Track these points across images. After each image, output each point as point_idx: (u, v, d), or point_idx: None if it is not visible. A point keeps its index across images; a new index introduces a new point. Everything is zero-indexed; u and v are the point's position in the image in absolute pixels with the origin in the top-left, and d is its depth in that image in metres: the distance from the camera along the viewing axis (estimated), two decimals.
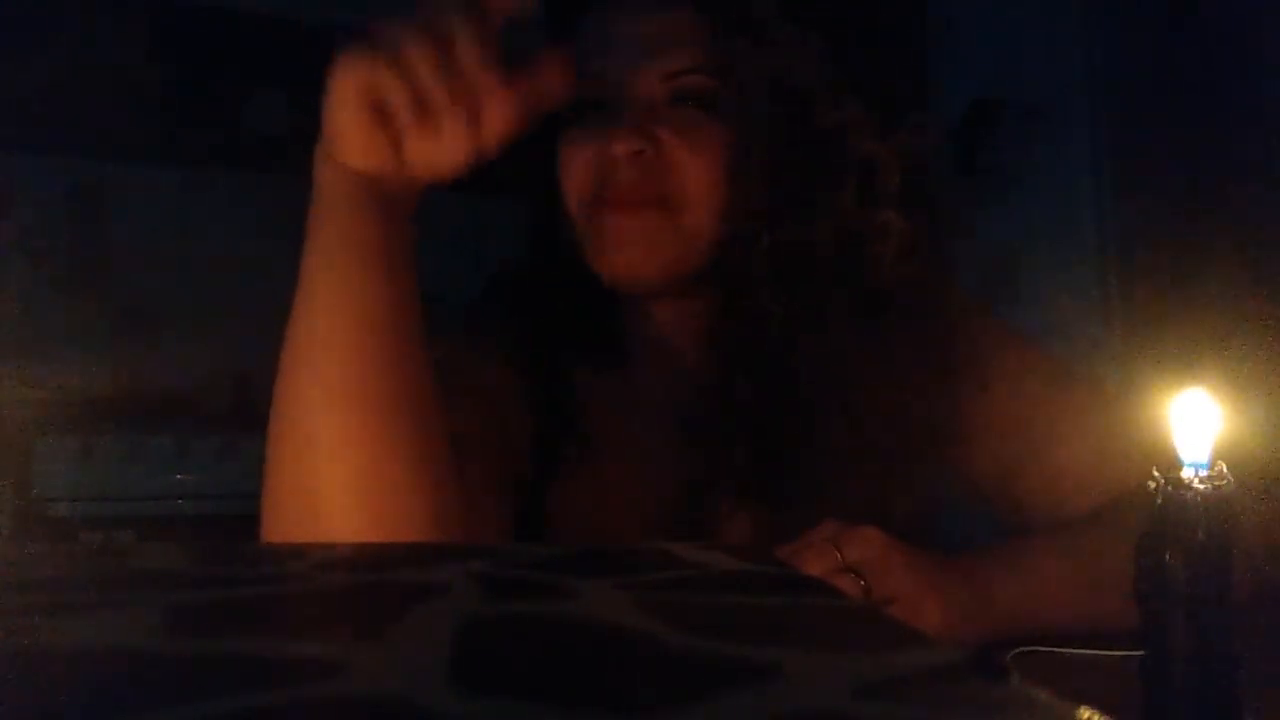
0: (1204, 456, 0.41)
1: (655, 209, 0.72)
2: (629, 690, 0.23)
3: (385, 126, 0.54)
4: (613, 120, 0.72)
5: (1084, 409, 0.77)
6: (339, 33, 0.55)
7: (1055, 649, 0.61)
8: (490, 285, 0.85)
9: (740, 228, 0.73)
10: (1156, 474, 0.41)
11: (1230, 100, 1.77)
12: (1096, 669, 0.59)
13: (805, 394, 0.72)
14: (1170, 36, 1.87)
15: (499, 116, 0.53)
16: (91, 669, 0.24)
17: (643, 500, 0.76)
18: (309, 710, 0.21)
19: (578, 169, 0.74)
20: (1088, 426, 0.76)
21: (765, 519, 0.73)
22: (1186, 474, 0.41)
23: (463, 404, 0.67)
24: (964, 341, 0.76)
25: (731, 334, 0.74)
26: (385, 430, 0.55)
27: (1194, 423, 0.42)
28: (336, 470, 0.53)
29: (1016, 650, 0.61)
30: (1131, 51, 1.95)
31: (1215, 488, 0.40)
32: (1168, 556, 0.40)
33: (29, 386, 1.71)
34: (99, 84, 1.92)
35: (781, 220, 0.72)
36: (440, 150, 0.54)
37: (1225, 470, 0.41)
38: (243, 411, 1.90)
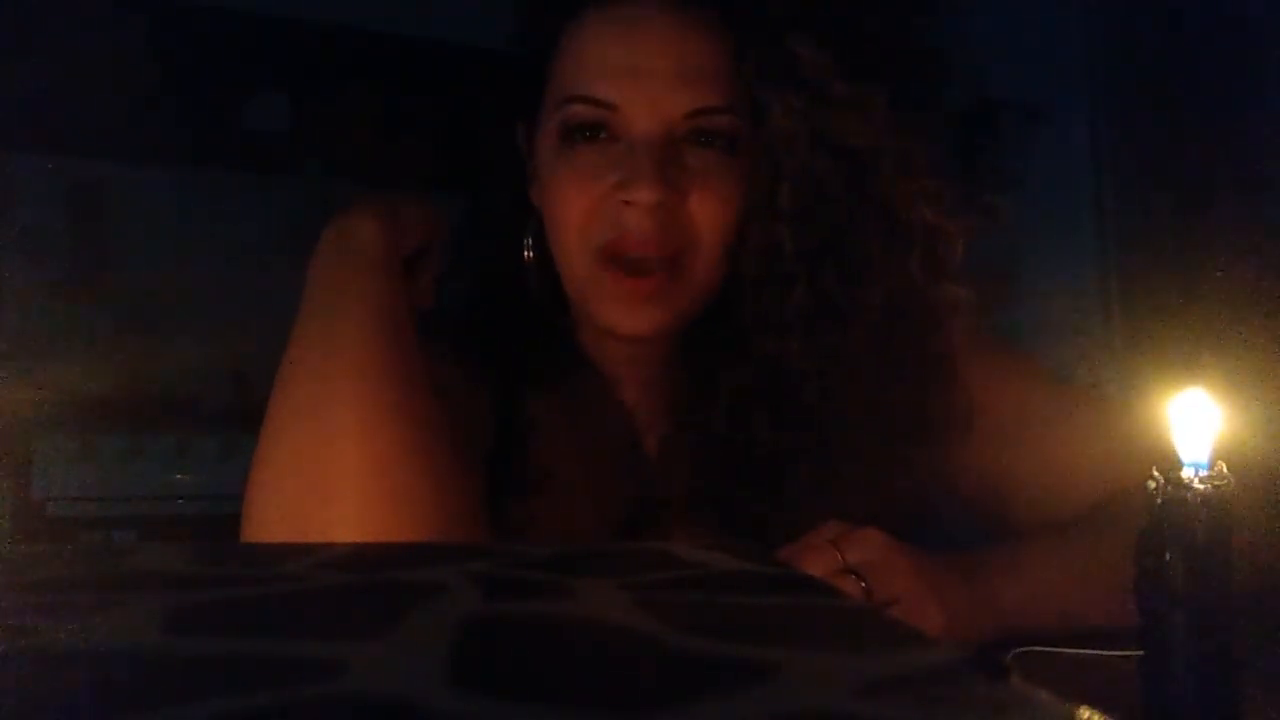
0: (1204, 456, 0.41)
1: (666, 275, 0.68)
2: (629, 690, 0.23)
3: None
4: (629, 162, 0.67)
5: (1074, 411, 0.77)
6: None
7: (1055, 649, 0.61)
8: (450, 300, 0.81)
9: (761, 274, 0.70)
10: (1156, 474, 0.41)
11: (1230, 100, 1.77)
12: (1096, 669, 0.59)
13: (796, 435, 0.71)
14: (1170, 37, 1.87)
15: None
16: (91, 669, 0.24)
17: (593, 513, 0.75)
18: (309, 710, 0.21)
19: (581, 211, 0.69)
20: (1078, 429, 0.76)
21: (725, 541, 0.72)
22: (1186, 474, 0.41)
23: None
24: (952, 361, 0.75)
25: (727, 373, 0.72)
26: (405, 417, 0.56)
27: (1194, 423, 0.42)
28: (359, 455, 0.54)
29: (1016, 650, 0.61)
30: (1131, 51, 1.95)
31: (1215, 488, 0.40)
32: (1168, 556, 0.40)
33: (29, 386, 1.71)
34: (99, 84, 1.92)
35: (822, 274, 0.69)
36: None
37: (1225, 470, 0.41)
38: (243, 411, 1.90)
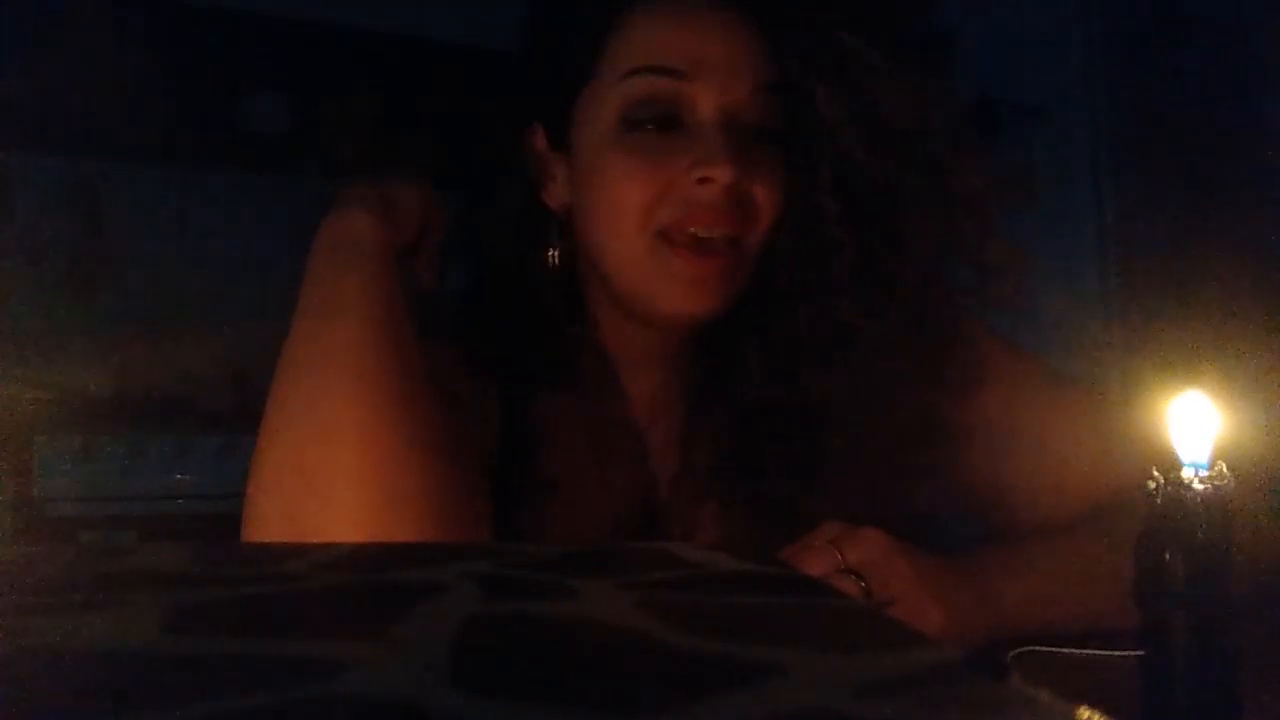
0: (1204, 457, 0.41)
1: (730, 253, 0.69)
2: (629, 690, 0.23)
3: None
4: (705, 141, 0.68)
5: (1077, 413, 0.77)
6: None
7: (1055, 649, 0.61)
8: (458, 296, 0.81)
9: (805, 243, 0.71)
10: (1156, 474, 0.41)
11: (1230, 101, 1.77)
12: (1096, 669, 0.59)
13: (822, 403, 0.71)
14: (1170, 37, 1.87)
15: None
16: (91, 669, 0.24)
17: (605, 513, 0.75)
18: (309, 710, 0.21)
19: (647, 193, 0.68)
20: (1081, 430, 0.76)
21: (740, 534, 0.72)
22: (1186, 474, 0.41)
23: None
24: (957, 349, 0.75)
25: (755, 341, 0.72)
26: (401, 419, 0.56)
27: (1193, 425, 0.42)
28: (356, 454, 0.54)
29: (1016, 650, 0.61)
30: (1131, 51, 1.95)
31: (1215, 488, 0.40)
32: (1168, 556, 0.40)
33: (29, 386, 1.71)
34: (99, 84, 1.92)
35: (869, 238, 0.70)
36: None
37: (1225, 470, 0.41)
38: (243, 411, 1.90)
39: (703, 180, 0.67)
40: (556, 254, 0.75)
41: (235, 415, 1.91)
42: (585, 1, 0.74)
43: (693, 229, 0.68)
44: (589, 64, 0.72)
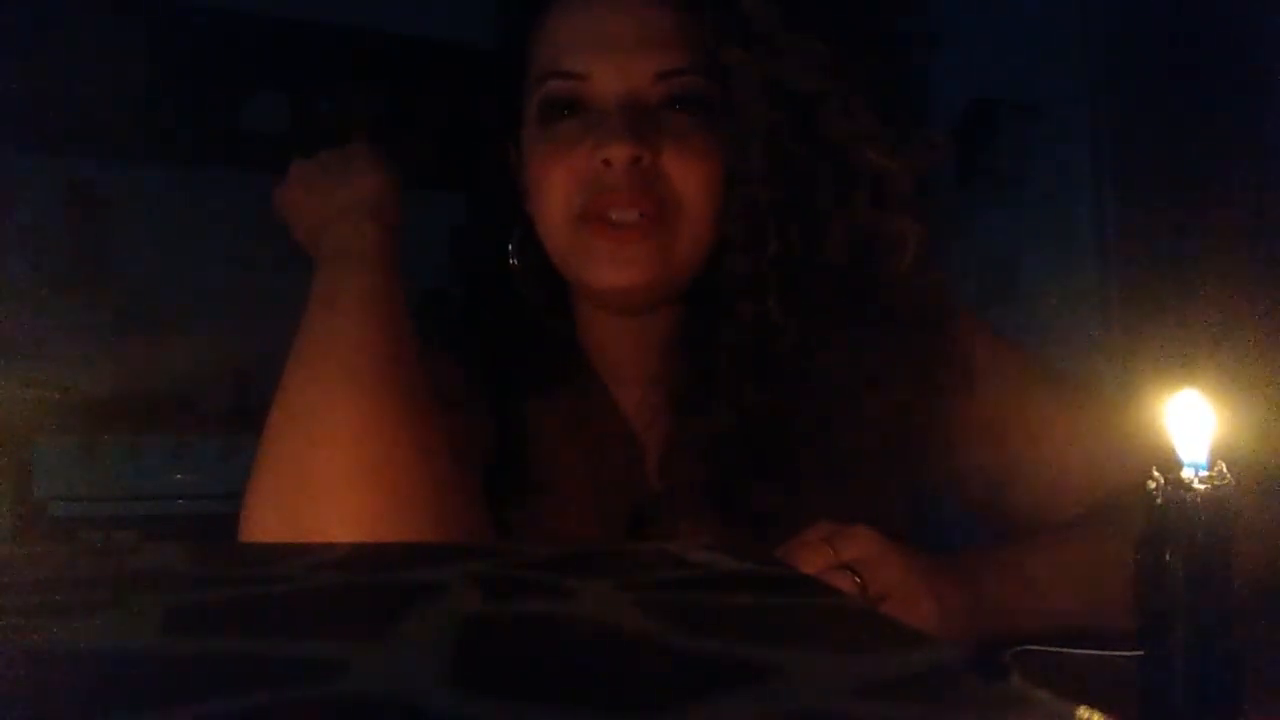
0: (1201, 456, 0.41)
1: (650, 226, 0.69)
2: (629, 690, 0.23)
3: None
4: (602, 124, 0.69)
5: (1073, 412, 0.77)
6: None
7: (1055, 649, 0.61)
8: (433, 299, 0.82)
9: (741, 235, 0.70)
10: (1156, 474, 0.41)
11: (1229, 101, 1.77)
12: (1096, 669, 0.59)
13: (793, 406, 0.71)
14: (1170, 36, 1.87)
15: None
16: (91, 669, 0.24)
17: (595, 519, 0.75)
18: (309, 710, 0.21)
19: (561, 178, 0.70)
20: (1077, 429, 0.76)
21: (730, 535, 0.72)
22: (1186, 474, 0.41)
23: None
24: (951, 347, 0.75)
25: (721, 343, 0.72)
26: (401, 420, 0.56)
27: (1190, 425, 0.42)
28: (354, 456, 0.54)
29: (1016, 650, 0.61)
30: (1131, 51, 1.95)
31: (1215, 488, 0.40)
32: (1168, 556, 0.40)
33: (29, 386, 1.71)
34: (99, 84, 1.92)
35: (789, 228, 0.69)
36: None
37: (1225, 470, 0.41)
38: (243, 411, 1.90)
39: (605, 162, 0.68)
40: (515, 251, 0.77)
41: (235, 415, 1.92)
42: (510, 15, 0.77)
43: (608, 211, 0.69)
44: (519, 71, 0.75)
